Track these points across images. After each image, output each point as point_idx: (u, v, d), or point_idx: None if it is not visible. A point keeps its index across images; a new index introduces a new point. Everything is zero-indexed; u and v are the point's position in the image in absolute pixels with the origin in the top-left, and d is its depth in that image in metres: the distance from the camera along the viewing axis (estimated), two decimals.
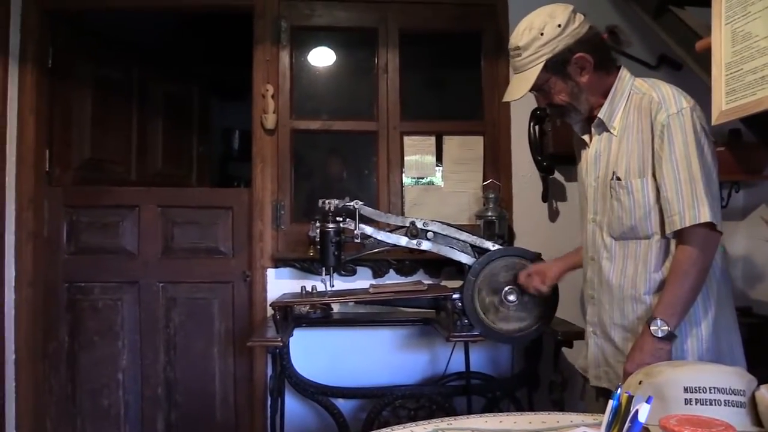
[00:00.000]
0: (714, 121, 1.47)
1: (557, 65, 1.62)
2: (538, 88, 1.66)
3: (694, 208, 1.51)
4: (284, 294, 2.64)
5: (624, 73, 1.67)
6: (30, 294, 2.77)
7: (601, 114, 1.67)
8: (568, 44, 1.60)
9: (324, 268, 2.34)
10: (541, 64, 1.61)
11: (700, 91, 1.64)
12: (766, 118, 1.35)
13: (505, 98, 1.69)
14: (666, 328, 1.52)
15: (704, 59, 1.51)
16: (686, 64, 2.12)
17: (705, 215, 1.51)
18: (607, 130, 1.67)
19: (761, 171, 2.54)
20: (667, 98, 1.57)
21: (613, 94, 1.66)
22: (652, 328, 1.53)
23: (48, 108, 2.85)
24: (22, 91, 2.76)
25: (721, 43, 1.44)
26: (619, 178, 1.63)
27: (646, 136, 1.59)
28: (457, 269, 2.64)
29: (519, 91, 1.65)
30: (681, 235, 1.55)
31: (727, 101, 1.40)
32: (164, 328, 2.89)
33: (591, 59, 1.62)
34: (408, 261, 2.81)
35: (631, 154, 1.62)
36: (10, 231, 2.74)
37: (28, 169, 2.77)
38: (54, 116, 2.89)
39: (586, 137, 1.76)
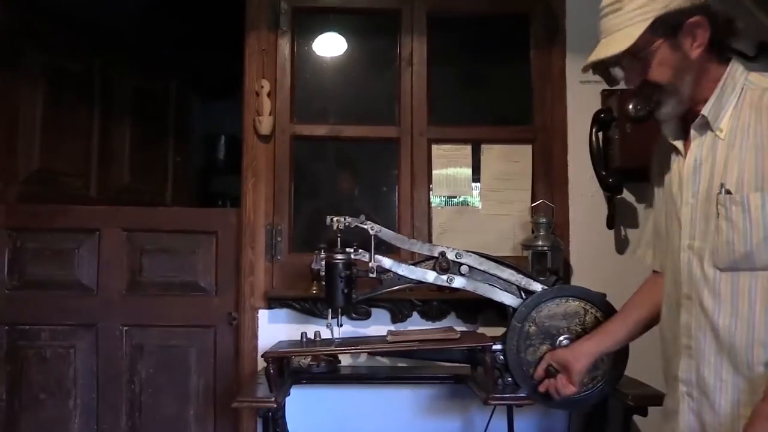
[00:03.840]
0: None
1: (667, 27, 1.61)
2: (635, 53, 1.63)
3: None
4: (280, 342, 2.63)
5: (736, 66, 1.66)
6: None
7: (706, 111, 1.65)
8: (682, 4, 1.60)
9: (330, 310, 2.33)
10: (648, 22, 1.60)
11: None
12: None
13: (591, 58, 1.67)
14: None
15: None
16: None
17: None
18: (713, 133, 1.65)
19: None
20: None
21: (722, 88, 1.64)
22: None
23: None
24: None
25: None
26: (729, 192, 1.60)
27: (766, 140, 1.57)
28: (499, 313, 2.63)
29: (612, 48, 1.62)
30: None
31: None
32: (128, 384, 2.88)
33: (708, 28, 1.61)
34: (436, 302, 2.81)
35: (746, 162, 1.59)
36: None
37: None
38: None
39: (678, 143, 1.74)
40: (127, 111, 3.63)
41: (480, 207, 3.00)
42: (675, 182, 1.75)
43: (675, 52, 1.62)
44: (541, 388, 2.09)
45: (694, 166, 1.69)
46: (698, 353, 1.67)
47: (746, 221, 1.58)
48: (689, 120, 1.69)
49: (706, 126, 1.66)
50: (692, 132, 1.70)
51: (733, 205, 1.59)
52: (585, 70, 1.73)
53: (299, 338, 2.45)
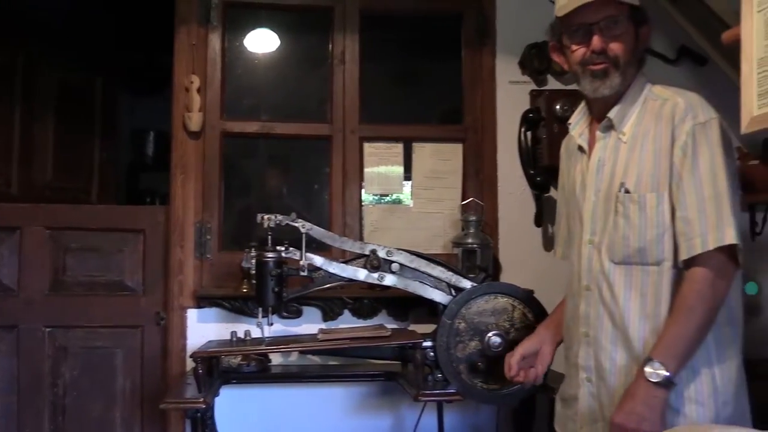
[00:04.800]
0: (744, 129, 1.50)
1: (639, 18, 1.75)
2: (616, 19, 1.72)
3: (718, 229, 1.59)
4: (209, 342, 2.62)
5: (642, 78, 1.80)
6: None
7: (612, 114, 1.77)
8: (644, 10, 1.74)
9: (261, 309, 2.33)
10: (636, 2, 1.72)
11: (728, 92, 1.71)
12: None
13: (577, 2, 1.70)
14: (663, 372, 1.57)
15: (733, 53, 1.55)
16: (711, 59, 2.22)
17: (730, 236, 1.58)
18: (616, 135, 1.76)
19: None
20: (695, 106, 1.67)
21: (629, 94, 1.77)
22: (646, 370, 1.59)
23: None
24: None
25: (752, 34, 1.46)
26: (628, 191, 1.71)
27: (664, 146, 1.68)
28: (429, 310, 2.63)
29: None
30: (693, 263, 1.62)
31: (761, 105, 1.43)
32: (51, 387, 2.82)
33: (650, 40, 1.78)
34: (367, 300, 2.82)
35: (645, 164, 1.70)
36: None
37: None
38: None
39: (583, 142, 1.86)
40: (51, 105, 3.55)
41: (411, 205, 3.02)
42: (579, 180, 1.85)
43: (634, 41, 1.75)
44: (521, 379, 2.07)
45: (597, 166, 1.80)
46: (596, 341, 1.77)
47: (642, 219, 1.69)
48: (596, 121, 1.81)
49: (610, 128, 1.77)
50: (597, 133, 1.80)
51: (630, 204, 1.71)
52: (560, 12, 1.76)
53: (229, 338, 2.45)
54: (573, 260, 1.88)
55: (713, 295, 1.60)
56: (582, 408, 1.80)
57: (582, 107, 1.91)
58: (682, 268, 1.66)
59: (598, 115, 1.81)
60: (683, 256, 1.63)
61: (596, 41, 1.72)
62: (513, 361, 2.04)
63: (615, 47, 1.72)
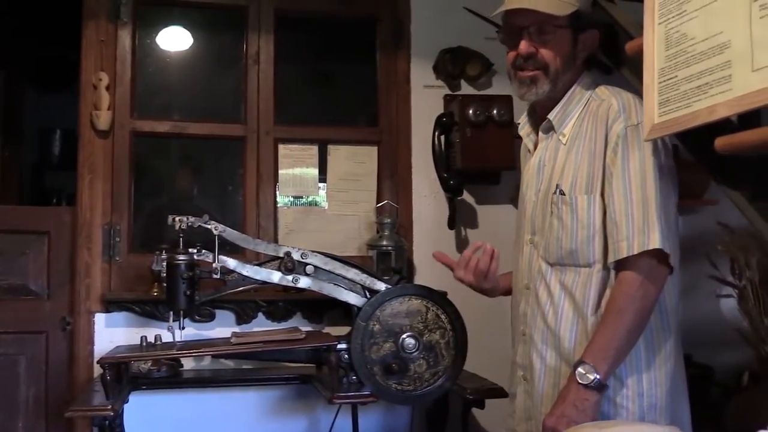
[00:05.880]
0: (646, 137, 1.56)
1: (578, 23, 1.73)
2: (545, 26, 1.71)
3: (644, 233, 1.60)
4: (118, 347, 2.55)
5: (587, 79, 1.81)
6: None
7: (552, 115, 1.78)
8: (589, 12, 1.73)
9: (172, 313, 2.29)
10: (575, 8, 1.71)
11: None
12: (703, 134, 1.43)
13: (515, 4, 1.72)
14: (594, 375, 1.58)
15: (638, 63, 1.60)
16: (617, 69, 2.23)
17: (654, 241, 1.59)
18: (557, 136, 1.77)
19: (701, 195, 2.75)
20: (628, 107, 1.68)
21: (570, 96, 1.78)
22: (578, 372, 1.59)
23: None
24: None
25: (653, 45, 1.51)
26: (563, 193, 1.73)
27: (598, 147, 1.70)
28: (344, 313, 2.64)
29: (543, 5, 1.69)
30: (623, 266, 1.63)
31: (661, 113, 1.48)
32: None
33: (596, 45, 1.77)
34: (282, 302, 2.81)
35: (580, 166, 1.72)
36: None
37: None
38: None
39: (530, 142, 1.88)
40: None
41: (326, 207, 3.02)
42: (524, 180, 1.88)
43: (570, 47, 1.74)
44: (474, 263, 1.92)
45: (538, 166, 1.82)
46: (531, 339, 1.80)
47: (573, 221, 1.71)
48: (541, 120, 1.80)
49: (551, 129, 1.78)
50: (540, 134, 1.82)
51: (563, 205, 1.72)
52: (494, 13, 1.78)
53: (139, 342, 2.39)
54: (517, 259, 1.90)
55: (642, 298, 1.60)
56: (518, 405, 1.83)
57: (528, 108, 1.93)
58: (614, 270, 1.67)
59: (542, 116, 1.83)
60: (611, 258, 1.65)
61: (523, 45, 1.73)
62: (467, 251, 1.94)
63: (545, 53, 1.73)
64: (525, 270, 1.83)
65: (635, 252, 1.59)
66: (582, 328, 1.70)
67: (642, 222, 1.60)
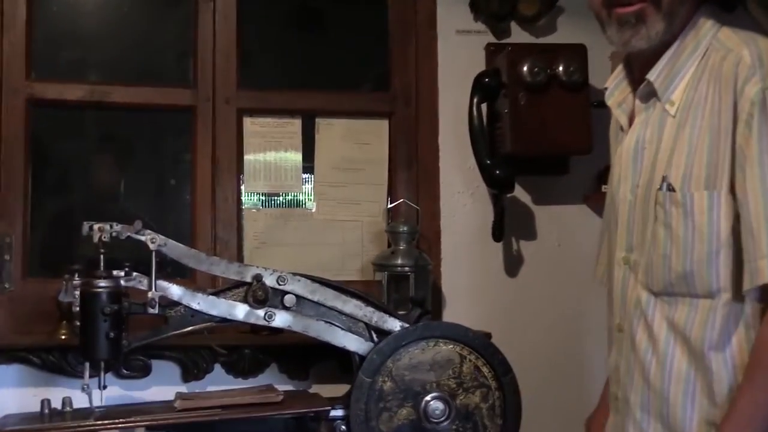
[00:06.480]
0: None
1: None
2: None
3: None
4: (6, 417, 2.31)
5: (705, 18, 1.63)
6: None
7: (653, 75, 1.62)
8: None
9: (88, 365, 2.12)
10: None
11: None
12: None
13: None
14: None
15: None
16: (741, 3, 2.06)
17: None
18: (662, 105, 1.61)
19: None
20: (766, 60, 1.52)
21: (680, 45, 1.60)
22: None
23: None
24: None
25: None
26: (672, 188, 1.55)
27: (724, 121, 1.50)
28: (340, 364, 2.50)
29: None
30: (766, 296, 1.53)
31: None
32: None
33: None
34: (249, 350, 2.59)
35: (697, 149, 1.54)
36: None
37: None
38: None
39: (623, 114, 1.75)
40: None
41: (314, 209, 2.79)
42: (615, 171, 1.77)
43: None
44: None
45: (635, 150, 1.65)
46: (626, 405, 1.66)
47: (687, 229, 1.52)
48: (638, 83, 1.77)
49: (653, 95, 1.64)
50: (637, 103, 1.70)
51: (673, 207, 1.54)
52: None
53: (39, 409, 2.16)
54: (609, 287, 1.83)
55: None
56: None
57: (623, 62, 1.82)
58: (752, 302, 1.54)
59: (640, 76, 1.70)
60: (747, 285, 1.47)
61: None
62: None
63: None
64: (618, 303, 1.70)
65: None
66: (702, 387, 1.51)
67: None
